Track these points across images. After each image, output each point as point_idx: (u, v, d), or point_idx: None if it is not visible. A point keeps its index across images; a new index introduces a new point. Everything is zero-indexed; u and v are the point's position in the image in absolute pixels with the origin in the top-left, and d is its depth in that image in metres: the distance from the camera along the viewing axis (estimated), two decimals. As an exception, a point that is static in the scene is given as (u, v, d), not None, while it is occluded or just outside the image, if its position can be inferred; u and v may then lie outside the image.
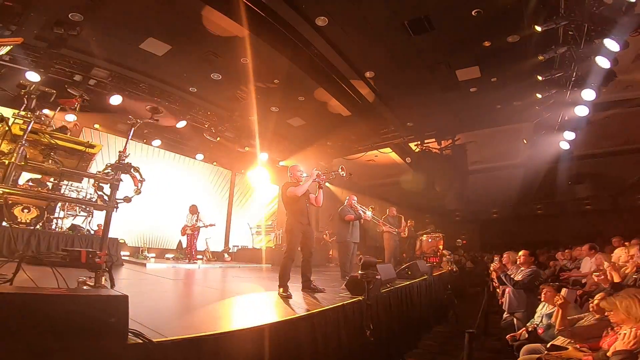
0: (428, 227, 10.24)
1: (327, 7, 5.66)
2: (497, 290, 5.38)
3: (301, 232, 4.07)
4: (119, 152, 2.55)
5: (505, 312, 4.51)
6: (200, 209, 8.58)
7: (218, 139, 9.97)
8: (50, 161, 2.20)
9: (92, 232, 6.48)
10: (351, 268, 5.86)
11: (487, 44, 6.30)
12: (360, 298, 3.61)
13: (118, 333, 1.62)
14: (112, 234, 6.56)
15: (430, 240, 9.22)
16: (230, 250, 10.72)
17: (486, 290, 5.83)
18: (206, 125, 9.63)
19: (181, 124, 8.87)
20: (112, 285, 2.38)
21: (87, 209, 6.29)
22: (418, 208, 11.42)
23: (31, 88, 2.34)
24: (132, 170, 2.56)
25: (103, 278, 2.33)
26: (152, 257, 7.80)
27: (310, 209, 4.25)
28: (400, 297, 4.80)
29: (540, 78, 6.38)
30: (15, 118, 2.17)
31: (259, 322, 2.37)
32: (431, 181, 10.18)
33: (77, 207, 6.12)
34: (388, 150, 11.00)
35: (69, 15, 5.99)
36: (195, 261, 8.14)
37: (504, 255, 5.10)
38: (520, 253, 4.60)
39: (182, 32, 6.47)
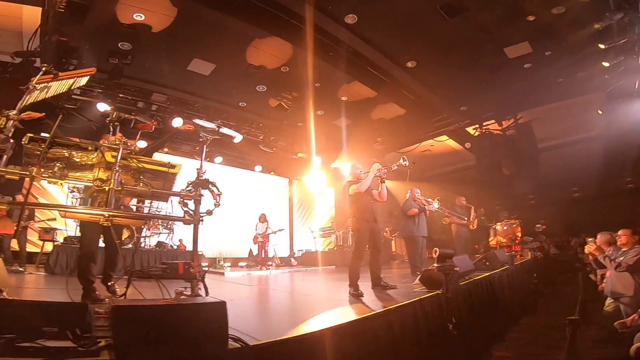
0: (500, 214, 9.57)
1: (354, 4, 5.67)
2: (592, 275, 4.84)
3: (368, 229, 4.04)
4: (197, 169, 2.77)
5: (609, 298, 4.02)
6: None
7: (273, 149, 10.35)
8: (141, 184, 2.45)
9: (175, 247, 7.12)
10: (422, 263, 5.69)
11: (531, 18, 5.90)
12: (438, 292, 3.48)
13: (220, 338, 1.71)
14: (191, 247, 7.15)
15: (506, 228, 8.59)
16: (296, 255, 11.02)
17: (581, 276, 5.26)
18: (260, 137, 10.06)
19: (238, 138, 9.31)
20: (207, 293, 2.56)
21: (169, 226, 6.91)
22: (486, 195, 10.70)
23: (114, 116, 2.63)
24: (210, 185, 2.76)
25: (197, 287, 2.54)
26: (227, 266, 8.32)
27: (374, 205, 4.20)
28: (481, 288, 4.56)
29: (602, 46, 5.96)
30: (103, 146, 2.45)
31: (338, 321, 2.40)
32: (497, 165, 9.49)
33: (160, 225, 6.78)
34: (444, 137, 10.53)
35: (119, 45, 6.60)
36: (267, 267, 8.47)
37: (597, 237, 4.56)
38: (620, 232, 4.07)
39: (222, 49, 6.82)
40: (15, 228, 5.24)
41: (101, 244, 2.98)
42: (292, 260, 9.96)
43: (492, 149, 9.69)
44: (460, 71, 7.53)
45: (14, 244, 5.80)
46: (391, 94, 8.24)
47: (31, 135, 2.17)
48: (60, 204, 5.61)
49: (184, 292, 2.73)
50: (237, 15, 5.84)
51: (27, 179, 2.03)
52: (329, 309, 3.25)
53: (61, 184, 2.21)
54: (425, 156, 11.67)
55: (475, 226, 7.21)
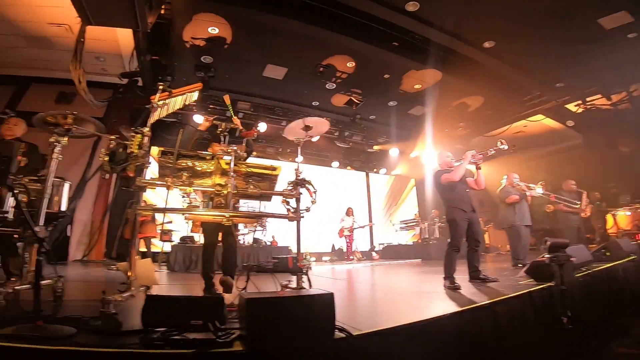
0: (619, 198, 8.22)
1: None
2: None
3: (465, 219, 3.85)
4: (295, 170, 2.96)
5: None
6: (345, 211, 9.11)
7: (349, 144, 10.47)
8: (250, 186, 2.71)
9: (269, 243, 7.72)
10: (525, 255, 5.22)
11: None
12: (550, 284, 3.18)
13: (328, 328, 1.79)
14: (280, 243, 7.62)
15: (629, 213, 7.35)
16: (376, 249, 10.98)
17: None
18: (336, 134, 10.25)
19: (316, 137, 9.70)
20: (310, 286, 2.72)
21: (262, 223, 7.49)
22: (597, 176, 9.31)
23: (223, 127, 2.94)
24: (306, 184, 2.92)
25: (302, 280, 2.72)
26: (312, 261, 8.69)
27: (470, 193, 3.98)
28: (601, 281, 4.03)
29: None
30: (218, 155, 2.76)
31: (438, 313, 2.36)
32: (611, 142, 8.19)
33: (256, 223, 7.41)
34: (539, 117, 9.44)
35: (202, 59, 7.19)
36: (350, 261, 8.55)
37: None
38: None
39: (291, 52, 7.10)
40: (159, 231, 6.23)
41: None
42: (373, 254, 9.95)
43: (603, 125, 8.41)
44: (549, 47, 6.76)
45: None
46: (469, 77, 7.71)
47: (162, 149, 2.55)
48: (190, 207, 6.50)
49: (289, 285, 2.96)
50: (300, 18, 6.05)
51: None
52: (424, 301, 3.19)
53: (189, 191, 2.55)
54: (519, 138, 10.61)
55: (589, 213, 6.31)
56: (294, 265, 2.55)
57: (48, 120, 2.42)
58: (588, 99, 8.70)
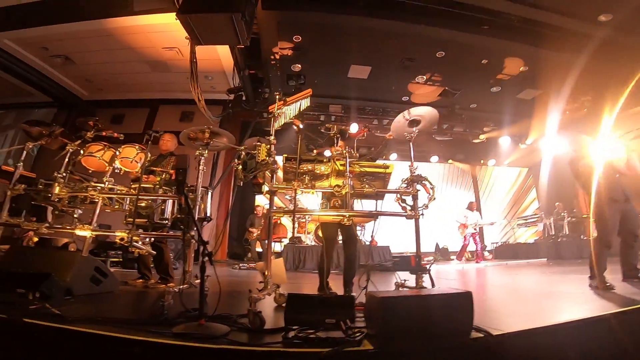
0: None
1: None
2: None
3: (618, 210, 3.23)
4: (409, 166, 2.86)
5: None
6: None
7: (450, 136, 9.83)
8: (365, 186, 2.72)
9: (368, 243, 7.67)
10: None
11: None
12: None
13: (464, 328, 1.73)
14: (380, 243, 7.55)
15: None
16: (488, 248, 9.97)
17: None
18: (434, 127, 9.67)
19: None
20: (433, 285, 2.59)
21: (362, 223, 7.56)
22: None
23: (335, 130, 3.00)
24: (423, 180, 2.80)
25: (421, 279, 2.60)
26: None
27: (622, 180, 3.32)
28: None
29: None
30: (334, 157, 2.82)
31: (589, 314, 2.08)
32: None
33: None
34: None
35: (291, 67, 7.44)
36: (479, 262, 7.93)
37: None
38: None
39: (372, 50, 6.94)
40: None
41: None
42: (486, 253, 9.04)
43: None
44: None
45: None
46: (588, 53, 6.58)
47: (286, 155, 2.73)
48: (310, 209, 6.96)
49: (405, 284, 2.87)
50: (377, 15, 5.92)
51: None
52: (568, 302, 2.78)
53: (313, 192, 2.67)
54: None
55: None
56: (417, 264, 2.45)
57: (190, 136, 2.80)
58: None
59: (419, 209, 2.72)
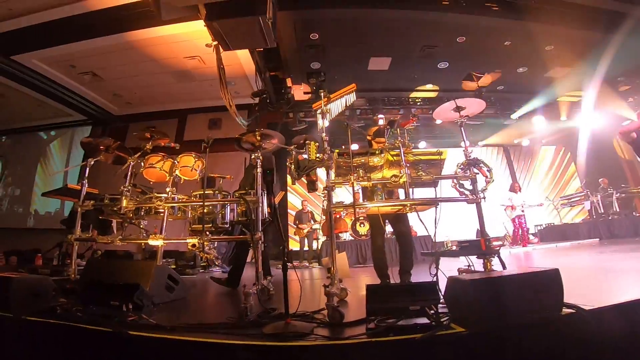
0: None
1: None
2: None
3: None
4: (464, 150, 2.81)
5: None
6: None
7: (482, 121, 9.66)
8: (422, 173, 2.69)
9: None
10: None
11: None
12: None
13: (555, 304, 1.74)
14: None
15: None
16: (531, 231, 9.58)
17: None
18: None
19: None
20: (504, 268, 2.54)
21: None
22: None
23: (386, 123, 2.98)
24: (480, 163, 2.74)
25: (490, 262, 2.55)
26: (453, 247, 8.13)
27: None
28: None
29: None
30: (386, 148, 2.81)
31: None
32: None
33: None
34: None
35: (311, 65, 7.48)
36: (526, 244, 7.61)
37: None
38: None
39: (391, 41, 6.92)
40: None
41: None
42: (531, 237, 8.67)
43: None
44: None
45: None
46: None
47: (338, 150, 2.74)
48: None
49: (468, 269, 2.83)
50: (393, 5, 5.91)
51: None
52: None
53: (370, 185, 2.68)
54: None
55: None
56: (487, 247, 2.41)
57: (243, 140, 2.87)
58: None
59: (480, 193, 2.67)
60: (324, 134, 2.67)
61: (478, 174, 2.70)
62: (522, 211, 7.61)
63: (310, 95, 8.74)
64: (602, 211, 8.16)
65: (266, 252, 2.61)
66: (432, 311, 1.80)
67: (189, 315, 2.42)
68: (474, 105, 3.09)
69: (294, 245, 9.21)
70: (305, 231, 7.78)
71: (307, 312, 2.20)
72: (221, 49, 5.23)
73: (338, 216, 7.49)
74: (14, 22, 5.99)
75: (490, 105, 9.43)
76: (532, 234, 9.00)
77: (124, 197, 2.83)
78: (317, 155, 2.61)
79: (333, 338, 1.71)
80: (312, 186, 2.85)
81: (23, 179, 10.15)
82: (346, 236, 7.94)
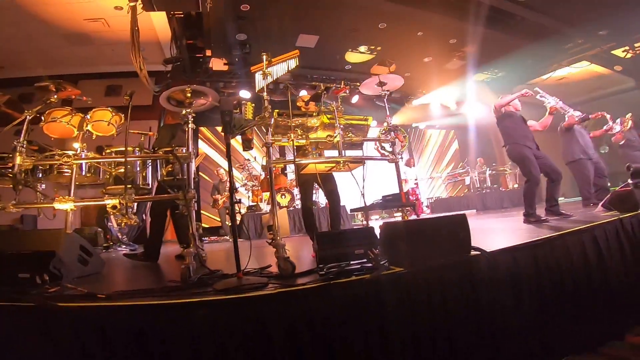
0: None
1: None
2: None
3: (532, 155, 3.94)
4: (386, 117, 3.12)
5: None
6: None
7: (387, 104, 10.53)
8: (351, 135, 2.91)
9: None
10: (594, 192, 5.18)
11: None
12: (636, 212, 3.17)
13: (464, 246, 2.07)
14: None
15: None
16: (425, 204, 11.08)
17: None
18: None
19: (355, 98, 9.85)
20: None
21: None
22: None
23: (322, 87, 3.07)
24: (397, 130, 3.08)
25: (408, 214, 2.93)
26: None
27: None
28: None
29: None
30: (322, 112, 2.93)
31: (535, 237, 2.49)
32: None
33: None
34: (584, 63, 9.34)
35: (236, 37, 7.24)
36: (421, 213, 8.35)
37: None
38: None
39: (321, 20, 7.10)
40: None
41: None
42: (424, 207, 10.03)
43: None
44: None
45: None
46: (504, 29, 7.64)
47: (277, 110, 2.74)
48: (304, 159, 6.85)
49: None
50: None
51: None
52: (522, 231, 3.27)
53: (307, 143, 2.76)
54: (564, 84, 10.36)
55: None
56: (407, 199, 2.73)
57: (173, 97, 2.64)
58: (637, 45, 8.58)
59: (397, 154, 3.01)
60: (264, 94, 2.63)
61: (396, 138, 3.03)
62: (415, 184, 8.66)
63: (230, 66, 8.34)
64: (478, 186, 9.84)
65: (185, 220, 2.45)
66: (372, 255, 1.99)
67: (118, 286, 2.18)
68: (394, 81, 3.43)
69: (209, 223, 8.84)
70: (221, 201, 7.39)
71: (255, 268, 2.21)
72: (139, 10, 4.71)
73: (278, 173, 7.40)
74: None
75: (398, 89, 10.37)
76: (425, 206, 10.42)
77: (17, 153, 2.31)
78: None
79: (290, 285, 1.75)
80: (247, 144, 2.81)
81: None
82: (267, 208, 7.93)
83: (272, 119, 2.53)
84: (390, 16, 7.18)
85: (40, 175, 2.59)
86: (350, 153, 3.03)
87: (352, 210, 3.66)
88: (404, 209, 2.88)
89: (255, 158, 8.44)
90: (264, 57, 2.83)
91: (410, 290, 1.83)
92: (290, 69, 2.94)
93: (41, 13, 6.12)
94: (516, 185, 10.09)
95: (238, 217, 7.19)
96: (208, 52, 7.91)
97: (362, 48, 8.52)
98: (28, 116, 2.44)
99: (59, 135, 2.79)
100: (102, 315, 1.47)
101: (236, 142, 6.98)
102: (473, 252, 2.08)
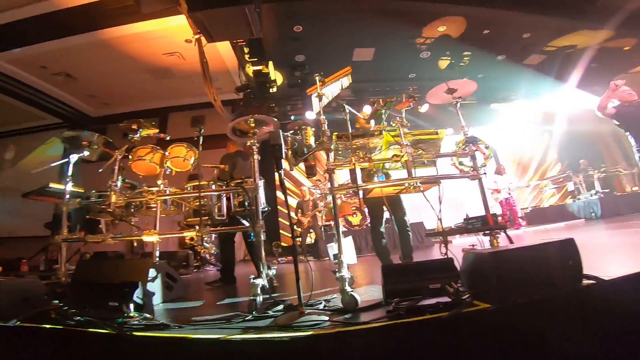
0: None
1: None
2: None
3: None
4: (461, 127, 2.79)
5: None
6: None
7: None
8: (422, 152, 2.66)
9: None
10: None
11: None
12: None
13: (574, 275, 1.70)
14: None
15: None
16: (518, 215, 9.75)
17: None
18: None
19: (424, 107, 9.30)
20: (511, 242, 2.52)
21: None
22: None
23: (381, 104, 2.93)
24: (477, 141, 2.73)
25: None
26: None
27: None
28: None
29: None
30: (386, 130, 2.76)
31: None
32: None
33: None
34: None
35: (295, 58, 7.41)
36: (518, 227, 7.50)
37: None
38: None
39: (375, 31, 6.90)
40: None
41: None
42: (519, 220, 8.79)
43: None
44: None
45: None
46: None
47: (336, 133, 2.67)
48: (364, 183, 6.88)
49: (473, 249, 2.81)
50: None
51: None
52: None
53: (371, 165, 2.61)
54: None
55: None
56: (495, 222, 2.37)
57: (237, 128, 2.75)
58: None
59: (480, 169, 2.65)
60: (322, 117, 2.58)
61: (476, 151, 2.68)
62: (509, 193, 7.67)
63: (293, 88, 8.66)
64: (585, 192, 8.35)
65: (258, 247, 2.48)
66: (452, 289, 1.75)
67: (194, 313, 2.30)
68: (465, 86, 3.08)
69: (288, 242, 8.95)
70: (306, 222, 7.06)
71: (319, 300, 2.12)
72: (204, 42, 5.09)
73: (340, 200, 7.28)
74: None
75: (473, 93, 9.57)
76: (519, 217, 9.15)
77: (112, 192, 2.65)
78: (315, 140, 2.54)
79: (352, 324, 1.62)
80: (310, 171, 2.77)
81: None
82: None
83: (332, 143, 2.46)
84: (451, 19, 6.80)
85: (133, 210, 2.91)
86: (421, 172, 2.80)
87: (427, 235, 3.36)
88: (493, 232, 2.50)
89: (325, 178, 8.48)
90: (317, 78, 2.78)
91: (498, 329, 1.53)
92: (344, 87, 2.86)
93: (127, 50, 6.84)
94: (635, 188, 8.35)
95: (313, 236, 7.19)
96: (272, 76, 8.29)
97: (424, 54, 8.08)
98: (118, 155, 2.79)
99: (144, 172, 3.14)
100: (169, 345, 1.55)
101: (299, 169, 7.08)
102: (585, 282, 1.69)
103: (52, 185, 3.02)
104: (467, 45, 7.84)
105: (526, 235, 6.31)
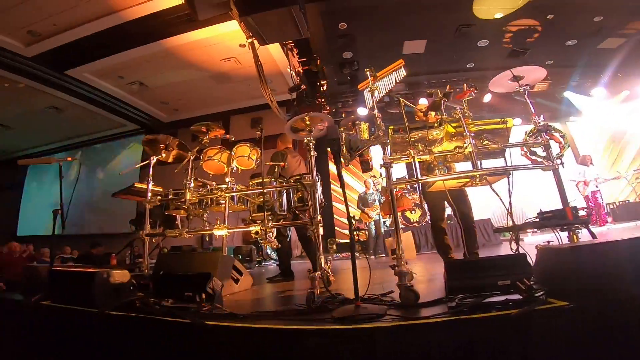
0: None
1: None
2: None
3: None
4: (531, 117, 2.59)
5: None
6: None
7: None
8: (487, 143, 2.50)
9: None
10: None
11: None
12: None
13: None
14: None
15: None
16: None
17: None
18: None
19: (487, 97, 8.74)
20: (594, 237, 2.28)
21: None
22: None
23: (441, 95, 2.81)
24: (552, 130, 2.51)
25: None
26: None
27: None
28: None
29: None
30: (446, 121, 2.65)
31: None
32: None
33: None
34: None
35: (342, 55, 7.26)
36: (603, 224, 6.70)
37: None
38: None
39: (425, 22, 6.63)
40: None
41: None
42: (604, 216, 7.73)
43: None
44: None
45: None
46: None
47: (392, 127, 2.63)
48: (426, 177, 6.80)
49: (550, 244, 2.58)
50: None
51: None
52: None
53: (431, 158, 2.54)
54: None
55: None
56: (575, 216, 2.15)
57: (294, 126, 2.84)
58: None
59: (556, 159, 2.42)
60: (375, 111, 2.55)
61: (550, 140, 2.45)
62: (597, 186, 6.80)
63: (343, 86, 8.65)
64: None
65: (315, 242, 2.53)
66: (524, 286, 1.63)
67: (258, 304, 2.44)
68: (533, 73, 2.83)
69: (344, 238, 8.88)
70: (374, 213, 6.79)
71: (376, 295, 2.11)
72: (257, 45, 5.32)
73: (399, 194, 7.01)
74: (60, 37, 6.33)
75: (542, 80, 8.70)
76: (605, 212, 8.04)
77: (187, 190, 2.93)
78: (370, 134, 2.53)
79: (411, 318, 1.60)
80: (366, 166, 2.77)
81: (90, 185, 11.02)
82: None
83: (388, 137, 2.42)
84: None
85: (205, 207, 3.18)
86: (488, 164, 2.63)
87: (495, 231, 3.16)
88: (572, 227, 2.27)
89: (381, 174, 8.32)
90: (368, 73, 2.75)
91: (576, 329, 1.42)
92: (398, 80, 2.78)
93: (188, 58, 7.29)
94: None
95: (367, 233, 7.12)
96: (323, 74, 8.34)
97: (481, 42, 7.57)
98: (191, 157, 3.08)
99: (214, 171, 3.42)
100: (236, 334, 1.67)
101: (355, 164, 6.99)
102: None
103: (136, 185, 3.44)
104: (530, 32, 7.23)
105: (612, 233, 5.59)
